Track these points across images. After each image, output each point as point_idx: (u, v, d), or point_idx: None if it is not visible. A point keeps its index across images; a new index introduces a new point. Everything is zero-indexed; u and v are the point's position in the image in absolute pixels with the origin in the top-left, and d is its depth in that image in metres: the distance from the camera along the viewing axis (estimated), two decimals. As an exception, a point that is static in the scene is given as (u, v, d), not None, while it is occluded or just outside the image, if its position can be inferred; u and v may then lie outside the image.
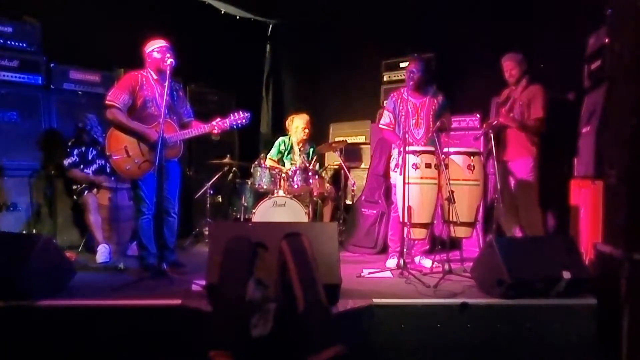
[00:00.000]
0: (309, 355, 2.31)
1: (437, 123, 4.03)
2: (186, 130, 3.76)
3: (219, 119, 3.78)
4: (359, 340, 2.84)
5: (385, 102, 4.54)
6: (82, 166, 4.54)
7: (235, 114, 3.80)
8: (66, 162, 4.50)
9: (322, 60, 6.43)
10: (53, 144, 4.74)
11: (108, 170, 4.57)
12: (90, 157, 4.60)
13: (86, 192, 4.46)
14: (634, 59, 2.79)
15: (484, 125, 4.40)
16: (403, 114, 4.11)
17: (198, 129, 3.76)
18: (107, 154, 3.68)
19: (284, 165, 5.21)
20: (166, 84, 3.51)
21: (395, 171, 4.16)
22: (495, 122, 4.26)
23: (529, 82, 4.27)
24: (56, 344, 2.76)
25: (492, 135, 4.11)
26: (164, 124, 3.47)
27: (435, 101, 4.14)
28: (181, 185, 3.97)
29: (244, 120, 3.81)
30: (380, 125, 4.33)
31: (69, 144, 4.59)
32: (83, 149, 4.58)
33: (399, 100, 4.17)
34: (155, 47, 3.70)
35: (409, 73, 4.07)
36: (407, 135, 3.92)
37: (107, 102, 3.61)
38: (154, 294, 3.05)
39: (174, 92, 3.82)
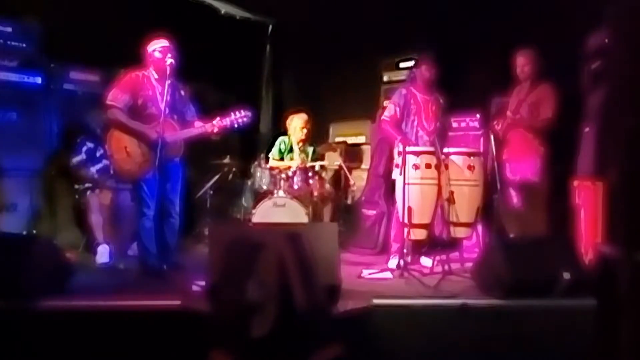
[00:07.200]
0: (308, 355, 2.31)
1: (441, 124, 4.06)
2: (186, 130, 3.73)
3: (218, 118, 3.74)
4: (358, 340, 2.83)
5: (385, 101, 4.53)
6: (88, 164, 4.51)
7: (236, 112, 3.72)
8: (74, 160, 4.47)
9: (322, 60, 6.42)
10: (53, 144, 4.74)
11: (111, 171, 4.54)
12: (98, 155, 4.56)
13: (88, 192, 4.45)
14: (634, 59, 2.79)
15: (492, 128, 4.27)
16: (414, 108, 4.11)
17: (198, 128, 3.73)
18: (108, 154, 3.67)
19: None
20: (166, 83, 3.50)
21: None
22: (497, 123, 4.22)
23: (540, 80, 4.14)
24: (56, 345, 2.75)
25: (491, 136, 4.10)
26: (164, 124, 3.47)
27: (440, 99, 4.16)
28: (183, 186, 3.94)
29: (245, 119, 3.73)
30: (383, 117, 4.26)
31: (78, 140, 4.54)
32: (92, 145, 4.55)
33: (410, 96, 4.16)
34: (157, 47, 3.68)
35: (426, 72, 4.09)
36: (418, 132, 4.02)
37: (107, 102, 3.60)
38: (154, 295, 3.04)
39: (176, 92, 3.78)
